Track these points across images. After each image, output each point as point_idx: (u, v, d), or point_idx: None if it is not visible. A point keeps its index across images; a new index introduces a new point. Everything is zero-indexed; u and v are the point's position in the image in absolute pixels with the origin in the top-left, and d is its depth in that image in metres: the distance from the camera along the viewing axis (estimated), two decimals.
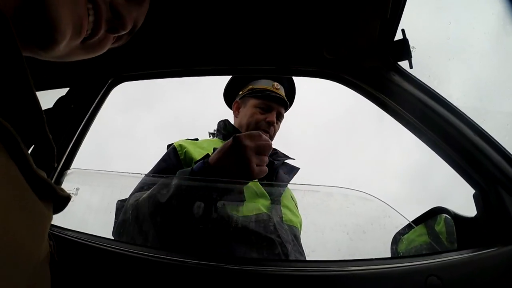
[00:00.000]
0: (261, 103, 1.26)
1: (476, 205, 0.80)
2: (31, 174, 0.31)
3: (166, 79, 1.07)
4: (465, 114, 0.82)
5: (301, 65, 0.97)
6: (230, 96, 1.41)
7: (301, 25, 0.87)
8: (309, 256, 1.05)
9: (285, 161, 1.22)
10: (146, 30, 0.88)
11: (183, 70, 1.03)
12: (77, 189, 0.95)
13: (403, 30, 0.84)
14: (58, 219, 0.71)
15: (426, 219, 0.96)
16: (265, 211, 0.97)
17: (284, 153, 1.28)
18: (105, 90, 1.04)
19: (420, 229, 0.95)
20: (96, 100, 1.02)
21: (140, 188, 0.95)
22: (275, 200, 1.02)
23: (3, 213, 0.26)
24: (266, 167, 0.82)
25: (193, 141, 1.20)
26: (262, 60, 0.99)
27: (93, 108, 1.02)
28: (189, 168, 0.86)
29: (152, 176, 1.00)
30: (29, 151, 0.35)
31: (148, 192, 0.86)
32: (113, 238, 0.92)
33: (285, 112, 1.34)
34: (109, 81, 1.04)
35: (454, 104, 0.84)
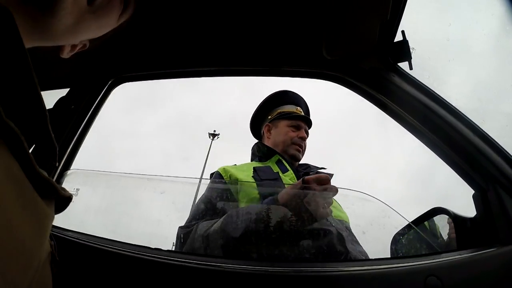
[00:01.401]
0: (292, 123, 1.44)
1: (475, 205, 0.80)
2: (34, 173, 0.31)
3: (169, 79, 1.08)
4: (464, 115, 0.82)
5: (301, 66, 0.98)
6: (257, 122, 1.59)
7: (301, 26, 0.87)
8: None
9: (318, 171, 1.34)
10: (146, 31, 0.88)
11: (183, 71, 1.04)
12: (77, 189, 0.95)
13: (403, 32, 0.84)
14: (59, 220, 0.72)
15: (426, 220, 0.96)
16: None
17: (316, 165, 1.41)
18: (105, 91, 1.04)
19: (419, 229, 0.95)
20: (97, 101, 1.03)
21: (201, 215, 1.02)
22: None
23: (6, 212, 0.26)
24: (330, 209, 0.89)
25: (236, 165, 1.32)
26: (262, 61, 0.99)
27: (94, 108, 1.02)
28: (258, 205, 0.94)
29: (208, 203, 1.06)
30: (30, 150, 0.35)
31: (217, 224, 0.91)
32: None
33: None
34: (110, 82, 1.04)
35: (454, 105, 0.84)
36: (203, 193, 1.14)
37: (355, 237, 1.06)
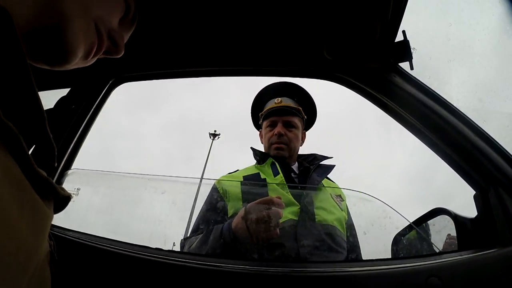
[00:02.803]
0: (268, 122, 1.36)
1: (476, 206, 0.80)
2: (32, 173, 0.31)
3: (171, 79, 1.08)
4: (465, 115, 0.82)
5: (302, 66, 0.98)
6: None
7: (301, 26, 0.87)
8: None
9: (322, 162, 1.30)
10: (147, 31, 0.88)
11: (184, 71, 1.04)
12: (78, 189, 0.95)
13: (404, 32, 0.84)
14: (59, 219, 0.72)
15: (427, 220, 0.96)
16: (293, 217, 1.05)
17: (323, 155, 1.36)
18: (106, 91, 1.04)
19: (420, 230, 0.95)
20: (97, 101, 1.03)
21: (196, 229, 1.10)
22: (307, 204, 1.09)
23: (4, 211, 0.26)
24: (276, 231, 0.87)
25: (232, 173, 1.32)
26: (263, 61, 0.99)
27: (94, 108, 1.02)
28: (221, 226, 0.99)
29: (203, 216, 1.13)
30: (30, 151, 0.35)
31: (195, 243, 1.02)
32: None
33: (309, 117, 1.44)
34: (110, 82, 1.04)
35: (455, 105, 0.84)
36: (203, 204, 1.18)
37: (340, 242, 1.04)
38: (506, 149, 0.79)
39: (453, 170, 0.85)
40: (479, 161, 0.78)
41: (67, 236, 0.76)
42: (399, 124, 0.90)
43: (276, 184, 1.17)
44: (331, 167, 1.28)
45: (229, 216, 1.10)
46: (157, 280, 0.69)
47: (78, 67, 0.51)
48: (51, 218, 0.37)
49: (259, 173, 1.25)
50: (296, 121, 1.36)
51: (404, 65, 0.87)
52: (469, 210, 0.83)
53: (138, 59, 1.02)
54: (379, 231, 0.95)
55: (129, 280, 0.70)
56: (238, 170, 1.34)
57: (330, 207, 1.12)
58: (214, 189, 1.20)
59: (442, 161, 0.86)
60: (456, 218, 0.83)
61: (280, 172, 1.21)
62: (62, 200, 0.39)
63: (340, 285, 0.67)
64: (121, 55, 0.56)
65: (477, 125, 0.81)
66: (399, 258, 0.93)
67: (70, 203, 0.41)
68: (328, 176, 1.30)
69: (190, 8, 0.84)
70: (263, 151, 1.38)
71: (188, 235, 1.09)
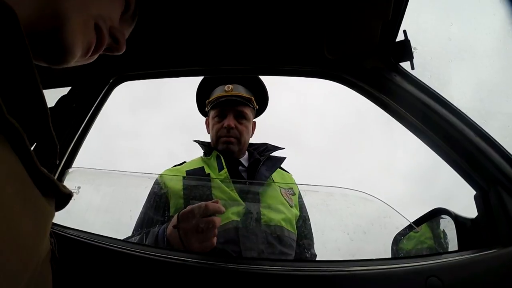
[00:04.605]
0: (216, 112, 1.25)
1: (476, 206, 0.80)
2: (35, 170, 0.31)
3: (172, 78, 1.07)
4: (466, 115, 0.82)
5: (302, 65, 0.97)
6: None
7: (302, 25, 0.87)
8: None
9: (273, 154, 1.22)
10: (147, 30, 0.88)
11: (185, 69, 1.04)
12: (79, 187, 0.95)
13: (404, 31, 0.84)
14: (60, 218, 0.72)
15: (427, 220, 0.96)
16: (236, 218, 0.98)
17: (275, 145, 1.28)
18: (106, 90, 1.04)
19: (421, 230, 0.95)
20: (98, 99, 1.03)
21: (137, 227, 1.02)
22: (252, 202, 1.02)
23: (7, 208, 0.26)
24: (211, 242, 0.81)
25: (177, 167, 1.22)
26: (264, 61, 0.99)
27: (95, 107, 1.02)
28: (157, 231, 0.91)
29: (146, 212, 1.06)
30: (32, 148, 0.35)
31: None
32: None
33: (260, 105, 1.33)
34: (111, 81, 1.04)
35: (455, 105, 0.84)
36: (146, 199, 1.10)
37: (287, 242, 1.00)
38: (507, 149, 0.79)
39: (453, 170, 0.85)
40: (480, 161, 0.78)
41: (67, 234, 0.76)
42: (400, 124, 0.90)
43: (222, 180, 1.09)
44: (281, 159, 1.21)
45: (171, 214, 1.03)
46: (156, 278, 0.69)
47: (79, 64, 0.51)
48: (53, 216, 0.37)
49: (203, 167, 1.16)
50: (248, 111, 1.26)
51: (405, 65, 0.87)
52: (469, 210, 0.83)
53: (139, 58, 1.02)
54: (379, 230, 0.95)
55: (129, 278, 0.70)
56: (185, 162, 1.26)
57: (278, 205, 1.06)
58: (157, 184, 1.11)
59: (443, 161, 0.86)
60: (456, 218, 0.83)
61: (225, 166, 1.13)
62: (63, 198, 0.39)
63: (340, 284, 0.67)
64: (122, 52, 0.56)
65: (478, 125, 0.81)
66: (399, 258, 0.93)
67: (70, 202, 0.41)
68: (283, 167, 1.23)
69: (191, 7, 0.84)
70: (210, 141, 1.29)
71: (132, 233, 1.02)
